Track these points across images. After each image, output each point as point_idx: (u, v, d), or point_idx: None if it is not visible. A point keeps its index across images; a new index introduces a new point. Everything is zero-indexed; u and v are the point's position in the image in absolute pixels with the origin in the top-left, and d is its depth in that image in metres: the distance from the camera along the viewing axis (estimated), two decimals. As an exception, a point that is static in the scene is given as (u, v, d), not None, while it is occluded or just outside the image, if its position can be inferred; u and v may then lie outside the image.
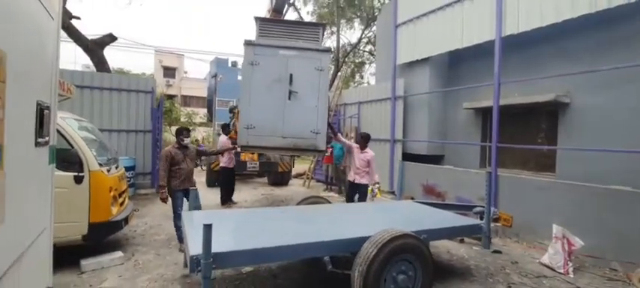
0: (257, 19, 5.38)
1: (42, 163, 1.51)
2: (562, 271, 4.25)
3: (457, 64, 8.56)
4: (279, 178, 10.60)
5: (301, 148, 5.09)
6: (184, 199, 4.66)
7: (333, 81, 16.31)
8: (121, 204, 4.47)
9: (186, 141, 4.78)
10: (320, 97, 5.06)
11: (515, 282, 3.96)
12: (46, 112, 1.41)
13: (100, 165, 4.07)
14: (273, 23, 5.66)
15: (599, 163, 5.49)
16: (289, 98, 4.98)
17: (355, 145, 5.81)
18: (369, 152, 5.71)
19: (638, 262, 4.11)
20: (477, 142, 7.91)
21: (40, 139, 1.36)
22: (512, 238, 5.61)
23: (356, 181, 5.67)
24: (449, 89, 8.46)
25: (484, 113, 7.84)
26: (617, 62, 4.99)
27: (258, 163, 9.46)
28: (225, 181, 7.70)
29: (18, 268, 1.22)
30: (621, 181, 4.82)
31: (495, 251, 4.95)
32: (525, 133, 7.19)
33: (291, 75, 5.00)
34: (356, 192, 5.70)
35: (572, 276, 4.16)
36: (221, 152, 7.07)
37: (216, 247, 2.47)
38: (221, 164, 7.69)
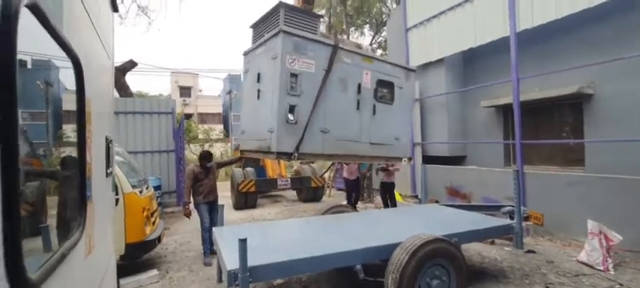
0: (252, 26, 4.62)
1: (109, 191, 1.62)
2: (601, 268, 4.09)
3: (472, 63, 8.48)
4: (312, 193, 9.43)
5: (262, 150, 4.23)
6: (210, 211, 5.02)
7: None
8: (153, 223, 4.63)
9: (209, 165, 5.11)
10: (274, 91, 3.86)
11: (552, 282, 3.84)
12: (110, 145, 1.53)
13: (133, 187, 4.24)
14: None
15: (630, 153, 5.29)
16: (258, 98, 4.18)
17: None
18: None
19: (683, 255, 3.93)
20: (499, 140, 7.76)
21: (108, 171, 1.47)
22: (544, 237, 5.45)
23: (387, 181, 6.61)
24: (466, 89, 8.36)
25: (505, 110, 7.70)
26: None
27: (289, 179, 8.96)
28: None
29: (102, 285, 1.31)
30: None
31: (529, 251, 4.82)
32: (549, 128, 7.02)
33: (258, 74, 4.14)
34: (387, 191, 6.64)
35: (612, 273, 4.01)
36: (234, 161, 7.44)
37: (252, 261, 2.54)
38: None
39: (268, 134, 3.86)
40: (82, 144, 0.97)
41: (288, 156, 3.82)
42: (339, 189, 11.48)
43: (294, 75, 3.73)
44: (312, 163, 10.78)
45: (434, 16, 8.15)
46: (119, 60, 11.37)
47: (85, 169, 1.00)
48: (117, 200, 4.00)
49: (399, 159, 4.91)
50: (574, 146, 6.52)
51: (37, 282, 0.68)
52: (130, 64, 10.95)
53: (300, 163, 11.42)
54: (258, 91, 4.14)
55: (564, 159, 6.78)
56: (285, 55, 3.62)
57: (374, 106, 4.41)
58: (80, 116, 0.99)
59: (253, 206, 8.64)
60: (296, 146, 3.77)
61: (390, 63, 4.73)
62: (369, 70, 4.37)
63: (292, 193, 10.49)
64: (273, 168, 9.54)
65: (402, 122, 4.79)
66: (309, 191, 9.35)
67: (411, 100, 5.21)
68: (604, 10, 5.44)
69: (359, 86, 4.27)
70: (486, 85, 7.45)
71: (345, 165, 7.59)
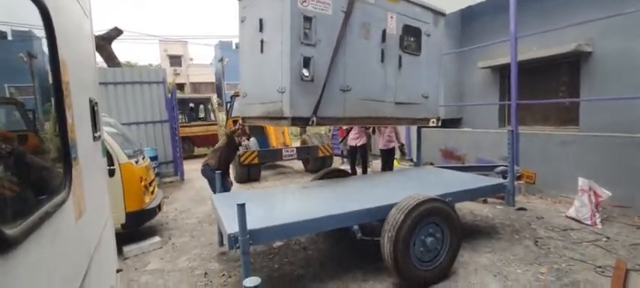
0: None
1: (99, 156, 1.61)
2: (589, 222, 4.25)
3: (470, 22, 8.27)
4: (320, 163, 8.67)
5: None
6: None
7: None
8: (152, 192, 4.67)
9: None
10: (284, 40, 3.13)
11: (541, 236, 4.00)
12: (95, 108, 1.49)
13: (128, 157, 4.23)
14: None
15: (624, 112, 5.33)
16: (261, 51, 3.46)
17: None
18: None
19: (668, 208, 4.07)
20: (495, 101, 7.75)
21: (95, 134, 1.45)
22: (536, 195, 5.60)
23: (387, 148, 6.21)
24: (463, 50, 8.21)
25: (501, 71, 7.63)
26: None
27: (294, 149, 8.35)
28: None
29: (99, 252, 1.34)
30: (650, 128, 4.70)
31: (520, 209, 4.97)
32: (545, 88, 7.00)
33: (260, 21, 3.38)
34: (388, 157, 6.27)
35: (600, 227, 4.17)
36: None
37: (251, 225, 2.59)
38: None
39: (278, 95, 3.15)
40: (59, 101, 0.94)
41: (304, 121, 3.19)
42: (336, 155, 11.43)
43: (307, 18, 2.99)
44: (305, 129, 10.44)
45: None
46: (103, 28, 10.91)
47: (65, 127, 0.97)
48: (113, 171, 4.01)
49: (426, 120, 4.33)
50: (569, 105, 6.54)
51: (17, 239, 0.67)
52: (116, 32, 10.53)
53: (306, 131, 10.67)
54: (262, 42, 3.35)
55: (559, 119, 6.83)
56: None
57: (400, 58, 3.69)
58: (55, 71, 0.94)
59: (257, 179, 8.13)
60: (314, 109, 3.13)
61: (418, 4, 3.92)
62: (395, 12, 3.61)
63: (299, 164, 9.94)
64: (276, 137, 8.81)
65: (430, 77, 4.13)
66: (316, 161, 8.72)
67: (440, 50, 4.42)
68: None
69: (384, 33, 3.55)
70: (484, 46, 7.31)
71: (342, 127, 6.94)
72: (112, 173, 3.99)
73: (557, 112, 6.90)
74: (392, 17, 3.59)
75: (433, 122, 4.35)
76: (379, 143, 6.53)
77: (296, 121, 3.13)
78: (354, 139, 6.49)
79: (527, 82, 6.98)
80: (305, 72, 3.07)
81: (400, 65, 3.71)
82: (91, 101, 1.43)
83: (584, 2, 5.96)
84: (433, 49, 4.10)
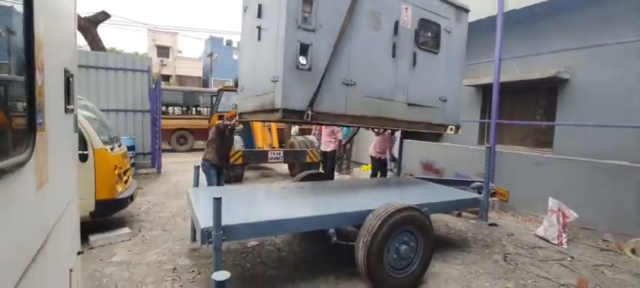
0: None
1: (70, 130, 1.54)
2: (556, 242, 4.41)
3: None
4: (306, 169, 7.84)
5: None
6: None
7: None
8: (126, 182, 4.52)
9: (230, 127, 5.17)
10: (280, 24, 2.83)
11: (510, 252, 4.11)
12: (71, 80, 1.43)
13: (104, 143, 4.08)
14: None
15: (596, 138, 5.59)
16: (259, 39, 3.22)
17: None
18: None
19: (630, 233, 4.27)
20: (476, 119, 7.97)
21: (68, 106, 1.39)
22: (508, 213, 5.77)
23: (381, 157, 6.35)
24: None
25: (484, 90, 7.86)
26: (619, 37, 4.99)
27: (281, 151, 7.92)
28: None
29: (59, 229, 1.27)
30: (618, 157, 4.94)
31: (492, 224, 5.10)
32: (524, 110, 7.26)
33: (259, 6, 3.18)
34: (381, 167, 6.40)
35: (565, 246, 4.33)
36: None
37: (226, 220, 2.54)
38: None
39: (271, 85, 2.84)
40: (29, 58, 0.89)
41: (298, 115, 2.81)
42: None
43: (308, 1, 2.76)
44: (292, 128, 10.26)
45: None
46: (91, 10, 10.58)
47: (33, 88, 0.92)
48: (86, 156, 3.86)
49: (443, 127, 3.92)
50: (545, 128, 6.80)
51: None
52: (103, 16, 10.24)
53: (297, 132, 10.27)
54: (259, 28, 3.12)
55: (535, 140, 7.09)
56: None
57: (414, 55, 3.39)
58: (27, 26, 0.89)
59: (239, 180, 7.69)
60: (310, 102, 2.80)
61: None
62: (410, 4, 3.34)
63: (283, 168, 9.63)
64: (263, 137, 8.33)
65: (449, 78, 3.79)
66: (303, 167, 8.06)
67: (462, 49, 4.04)
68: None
69: (396, 25, 3.26)
70: (469, 64, 7.51)
71: (323, 129, 6.63)
72: (84, 158, 3.85)
73: (533, 133, 7.16)
74: (407, 9, 3.29)
75: (451, 130, 3.95)
76: (371, 149, 6.52)
77: (288, 113, 2.76)
78: (326, 144, 6.43)
79: (508, 102, 7.23)
80: (302, 60, 2.77)
81: (415, 63, 3.37)
82: (66, 72, 1.37)
83: (566, 32, 6.25)
84: (454, 47, 3.76)
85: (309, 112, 2.79)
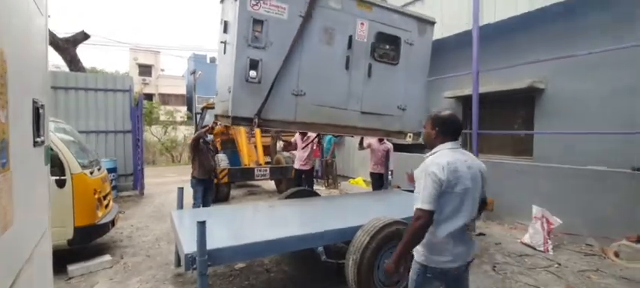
0: None
1: (40, 163, 1.46)
2: (542, 249, 4.47)
3: (438, 54, 8.65)
4: (294, 185, 7.88)
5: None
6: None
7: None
8: (106, 206, 4.36)
9: (209, 139, 5.25)
10: (234, 42, 3.21)
11: (498, 262, 4.14)
12: (41, 111, 1.37)
13: (83, 167, 3.94)
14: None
15: (574, 145, 5.78)
16: (224, 52, 3.55)
17: (373, 139, 6.03)
18: (387, 143, 6.17)
19: (612, 237, 4.39)
20: (458, 129, 8.12)
21: (37, 139, 1.32)
22: (494, 221, 5.85)
23: (379, 172, 6.23)
24: (430, 79, 8.59)
25: (465, 101, 8.05)
26: (591, 48, 5.23)
27: (267, 168, 7.77)
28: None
29: (27, 271, 1.19)
30: (596, 162, 5.11)
31: (479, 234, 5.15)
32: (504, 120, 7.46)
33: (225, 23, 3.45)
34: (379, 181, 6.26)
35: (551, 253, 4.39)
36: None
37: (211, 244, 2.47)
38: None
39: (228, 95, 3.22)
40: None
41: (247, 122, 3.18)
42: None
43: (258, 21, 3.05)
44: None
45: (405, 5, 8.25)
46: (70, 31, 10.38)
47: None
48: (64, 181, 3.71)
49: (402, 134, 4.11)
50: (524, 137, 6.99)
51: None
52: (82, 36, 10.04)
53: (281, 150, 10.45)
54: (224, 43, 3.43)
55: (515, 149, 7.27)
56: None
57: (369, 66, 3.61)
58: None
59: (225, 199, 7.50)
60: (258, 110, 3.15)
61: (399, 11, 3.79)
62: (367, 19, 3.54)
63: (270, 185, 9.49)
64: (249, 155, 8.14)
65: (410, 88, 3.96)
66: (289, 183, 7.88)
67: (425, 60, 4.19)
68: (560, 10, 5.80)
69: (350, 39, 3.49)
70: (448, 77, 7.72)
71: (298, 143, 6.47)
72: (62, 184, 3.70)
73: (513, 142, 7.36)
74: (363, 24, 3.52)
75: (410, 137, 4.08)
76: (370, 166, 6.48)
77: (237, 120, 3.18)
78: (302, 164, 6.37)
79: (487, 113, 7.41)
80: (252, 73, 3.11)
81: (370, 74, 3.61)
82: (35, 102, 1.31)
83: (541, 43, 6.52)
84: (416, 59, 3.93)
85: (256, 119, 3.16)
